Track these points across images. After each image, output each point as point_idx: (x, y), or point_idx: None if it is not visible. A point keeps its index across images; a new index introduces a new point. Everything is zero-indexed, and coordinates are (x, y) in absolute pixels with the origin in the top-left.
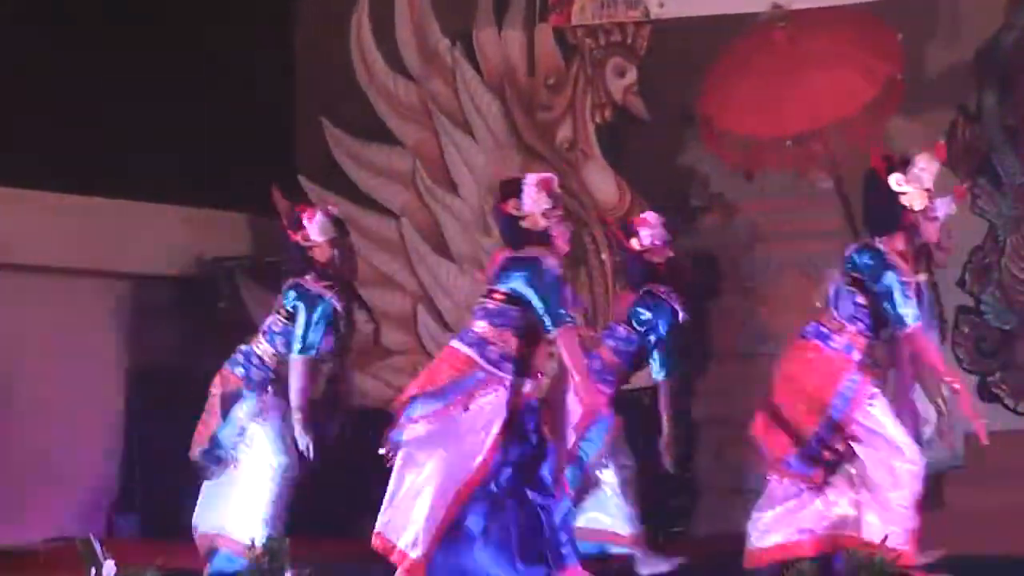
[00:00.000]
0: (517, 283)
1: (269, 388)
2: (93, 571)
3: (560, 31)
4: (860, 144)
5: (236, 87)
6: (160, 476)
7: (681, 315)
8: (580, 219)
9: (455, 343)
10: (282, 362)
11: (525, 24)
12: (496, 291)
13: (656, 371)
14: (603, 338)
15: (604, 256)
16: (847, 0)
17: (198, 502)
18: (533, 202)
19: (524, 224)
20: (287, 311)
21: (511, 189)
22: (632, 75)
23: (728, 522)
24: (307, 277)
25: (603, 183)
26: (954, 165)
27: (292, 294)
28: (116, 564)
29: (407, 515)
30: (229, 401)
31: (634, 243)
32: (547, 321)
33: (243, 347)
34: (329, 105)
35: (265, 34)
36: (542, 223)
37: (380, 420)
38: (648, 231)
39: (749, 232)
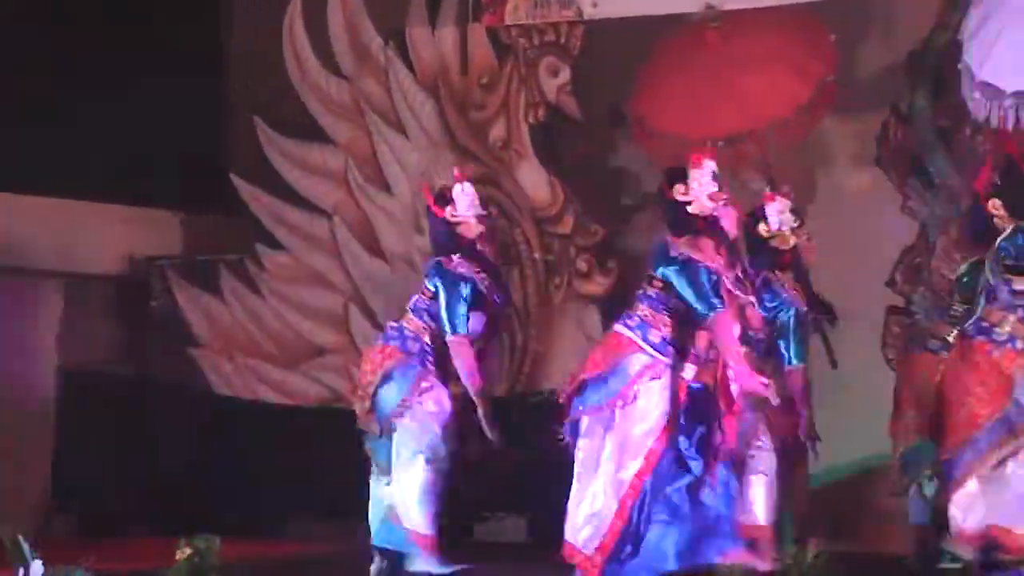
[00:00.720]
0: (669, 271)
1: (428, 360)
2: (21, 571)
3: (493, 30)
4: (793, 145)
5: (167, 85)
6: (94, 474)
7: (802, 303)
8: (512, 218)
9: (618, 327)
10: (435, 335)
11: (458, 23)
12: (655, 278)
13: (790, 359)
14: None
15: (537, 255)
16: (780, 1)
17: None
18: (701, 186)
19: (691, 209)
20: (429, 289)
21: (678, 174)
22: (565, 75)
23: None
24: (452, 256)
25: (536, 182)
26: (885, 166)
27: (433, 273)
28: (44, 563)
29: (583, 513)
30: (389, 374)
31: (762, 229)
32: (700, 308)
33: (393, 323)
34: (261, 103)
35: (197, 32)
36: (708, 207)
37: (320, 420)
38: (777, 216)
39: None
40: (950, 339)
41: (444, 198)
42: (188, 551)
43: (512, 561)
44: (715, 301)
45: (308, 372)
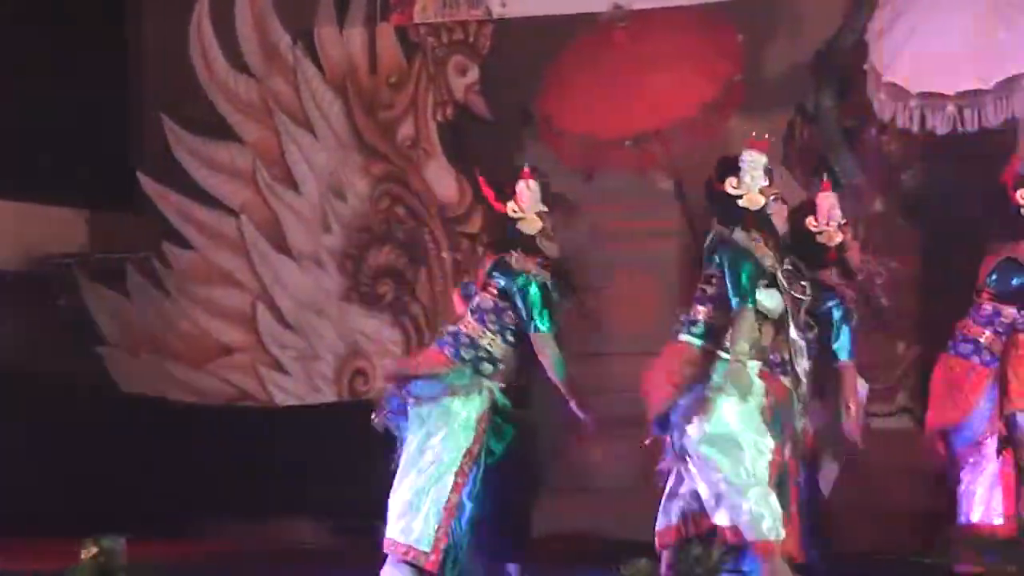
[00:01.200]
0: (724, 254)
1: (482, 367)
2: None
3: (402, 29)
4: (699, 144)
5: (75, 82)
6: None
7: (852, 299)
8: (420, 217)
9: (684, 337)
10: (495, 342)
11: (367, 22)
12: (713, 275)
13: (840, 355)
14: None
15: (444, 254)
16: (688, 1)
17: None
18: (752, 180)
19: (742, 203)
20: (497, 289)
21: (729, 167)
22: (474, 74)
23: (568, 522)
24: (513, 252)
25: (444, 181)
26: (791, 165)
27: (496, 272)
28: None
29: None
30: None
31: (811, 223)
32: (733, 297)
33: (450, 327)
34: (169, 102)
35: (105, 29)
36: (759, 201)
37: (228, 419)
38: (827, 211)
39: (590, 232)
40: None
41: (505, 193)
42: (93, 551)
43: None
44: (750, 296)
45: (215, 371)
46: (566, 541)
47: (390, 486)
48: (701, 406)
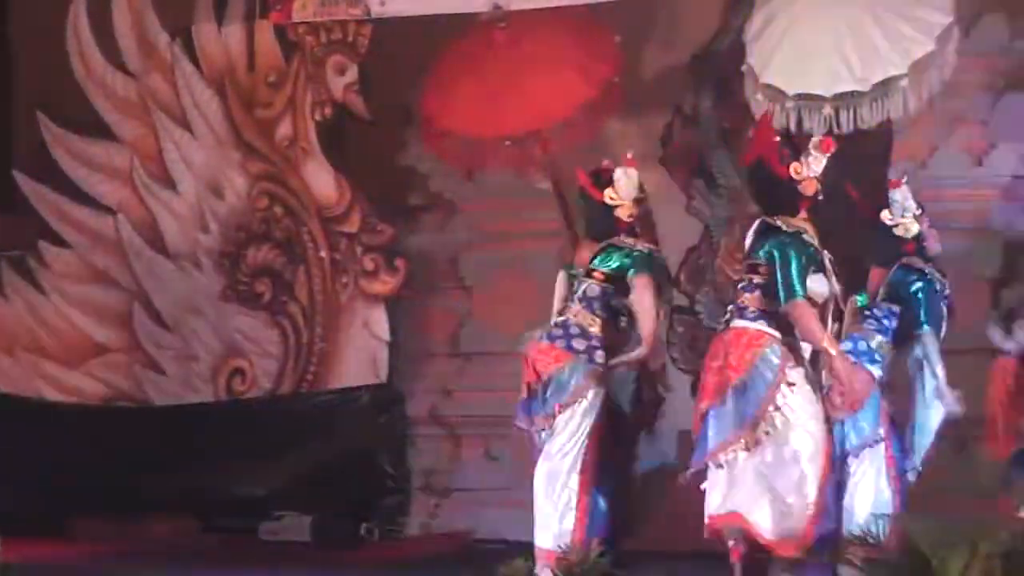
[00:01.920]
0: (774, 246)
1: (597, 355)
2: None
3: (281, 28)
4: (578, 145)
5: None
6: None
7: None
8: (299, 217)
9: (739, 323)
10: (608, 327)
11: (245, 20)
12: (759, 264)
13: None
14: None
15: (323, 253)
16: (566, 1)
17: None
18: (817, 165)
19: (800, 188)
20: (605, 272)
21: (795, 152)
22: (353, 73)
23: (444, 521)
24: (621, 237)
25: (323, 181)
26: (670, 166)
27: (615, 255)
28: None
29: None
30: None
31: (885, 216)
32: (781, 294)
33: (557, 319)
34: (45, 99)
35: None
36: (814, 188)
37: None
38: (901, 203)
39: (469, 231)
40: None
41: (603, 180)
42: None
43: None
44: (798, 289)
45: (91, 370)
46: (444, 541)
47: (267, 484)
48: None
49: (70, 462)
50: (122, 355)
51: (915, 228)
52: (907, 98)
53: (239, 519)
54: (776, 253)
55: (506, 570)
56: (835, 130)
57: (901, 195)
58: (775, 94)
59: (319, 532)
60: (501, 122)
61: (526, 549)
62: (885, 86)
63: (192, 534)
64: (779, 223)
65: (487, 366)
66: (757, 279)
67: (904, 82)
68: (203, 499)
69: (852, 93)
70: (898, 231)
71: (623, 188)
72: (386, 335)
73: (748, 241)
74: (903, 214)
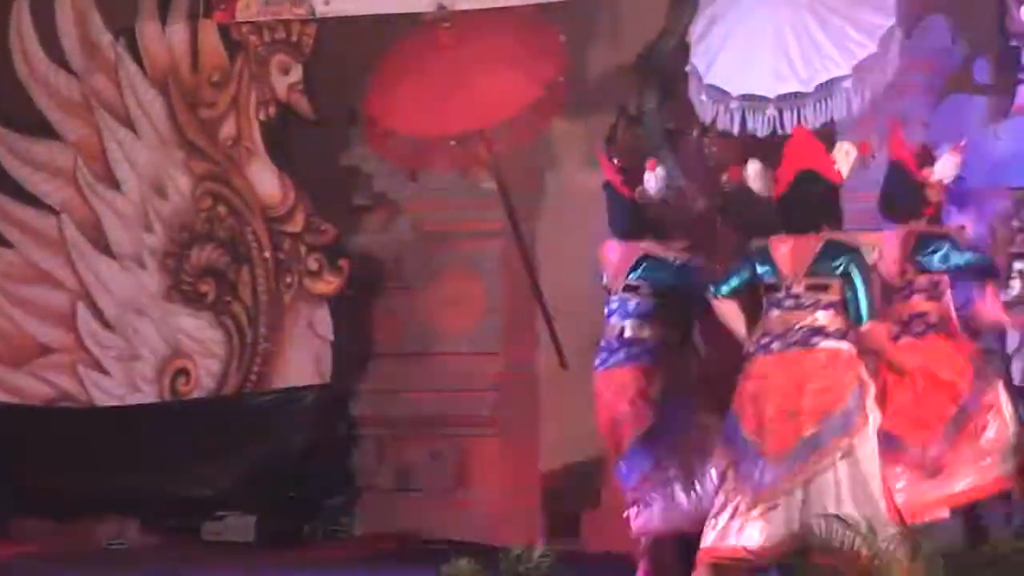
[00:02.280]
0: (849, 273)
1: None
2: None
3: (224, 27)
4: (522, 145)
5: None
6: None
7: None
8: (242, 216)
9: (828, 343)
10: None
11: (189, 19)
12: (827, 283)
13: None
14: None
15: (267, 253)
16: (511, 2)
17: None
18: (948, 172)
19: (927, 192)
20: (633, 285)
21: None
22: (297, 73)
23: (388, 521)
24: (650, 243)
25: (267, 180)
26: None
27: (644, 265)
28: None
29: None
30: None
31: (927, 172)
32: (864, 312)
33: (623, 336)
34: None
35: None
36: (937, 193)
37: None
38: (948, 168)
39: (413, 231)
40: None
41: (632, 179)
42: None
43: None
44: (875, 308)
45: (34, 371)
46: (388, 541)
47: (210, 484)
48: None
49: (11, 462)
50: (66, 355)
51: (939, 197)
52: (850, 99)
53: (182, 519)
54: (858, 276)
55: (449, 570)
56: (779, 131)
57: (952, 162)
58: (719, 95)
59: (263, 532)
60: (446, 122)
61: (469, 549)
62: (828, 87)
63: (134, 534)
64: (842, 239)
65: (431, 366)
66: (826, 298)
67: (847, 83)
68: (145, 499)
69: (796, 94)
70: (929, 192)
71: (651, 185)
72: (330, 335)
73: (810, 257)
74: (940, 178)
